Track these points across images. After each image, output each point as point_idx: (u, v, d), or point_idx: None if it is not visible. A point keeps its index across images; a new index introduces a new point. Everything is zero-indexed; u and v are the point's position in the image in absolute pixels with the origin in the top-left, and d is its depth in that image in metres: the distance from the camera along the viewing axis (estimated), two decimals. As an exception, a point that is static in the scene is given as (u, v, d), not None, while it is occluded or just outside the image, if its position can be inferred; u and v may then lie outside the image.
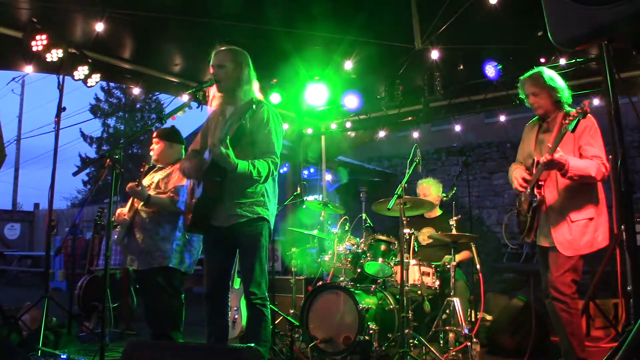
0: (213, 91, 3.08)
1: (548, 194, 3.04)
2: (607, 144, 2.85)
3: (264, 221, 2.95)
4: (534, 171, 3.06)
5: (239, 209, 2.89)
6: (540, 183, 3.04)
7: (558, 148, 2.85)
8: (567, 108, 3.05)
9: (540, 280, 3.22)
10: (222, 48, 3.07)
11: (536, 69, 3.17)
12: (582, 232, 2.94)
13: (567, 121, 2.81)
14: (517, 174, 3.18)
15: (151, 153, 3.77)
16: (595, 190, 3.00)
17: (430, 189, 4.86)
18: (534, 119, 3.31)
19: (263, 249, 2.93)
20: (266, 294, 2.92)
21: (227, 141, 2.69)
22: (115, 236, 3.73)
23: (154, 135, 3.78)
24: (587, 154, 2.94)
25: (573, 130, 2.81)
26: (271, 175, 2.91)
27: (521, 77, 3.21)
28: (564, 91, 3.07)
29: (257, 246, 2.91)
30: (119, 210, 3.72)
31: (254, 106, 2.92)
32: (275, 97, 5.77)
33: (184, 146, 3.82)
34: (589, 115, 2.94)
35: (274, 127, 2.97)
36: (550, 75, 3.10)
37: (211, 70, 3.02)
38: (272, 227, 3.05)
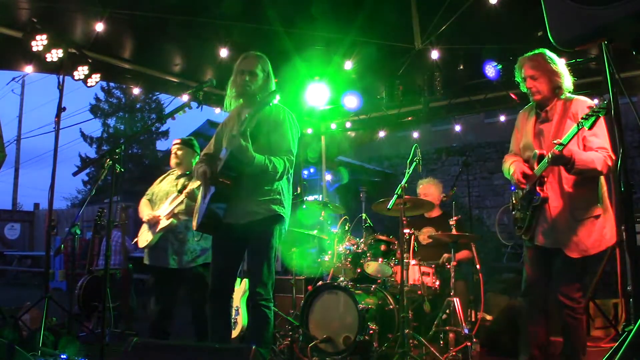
0: (230, 93, 3.10)
1: (551, 191, 2.82)
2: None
3: (277, 221, 2.96)
4: (535, 165, 2.83)
5: (256, 206, 2.90)
6: (543, 180, 2.82)
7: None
8: (568, 95, 2.86)
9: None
10: (251, 53, 3.10)
11: (538, 50, 2.92)
12: (589, 231, 2.73)
13: (585, 117, 2.53)
14: (516, 168, 2.93)
15: (173, 159, 4.15)
16: (598, 184, 2.80)
17: (431, 189, 4.87)
18: (528, 105, 3.08)
19: (273, 250, 2.94)
20: (271, 295, 2.93)
21: (247, 134, 2.73)
22: (148, 239, 3.99)
23: (178, 142, 4.16)
24: (592, 146, 2.72)
25: (590, 128, 2.54)
26: (286, 173, 2.93)
27: (520, 57, 2.96)
28: (565, 77, 2.86)
29: (267, 246, 2.91)
30: (152, 213, 4.03)
31: (270, 106, 2.94)
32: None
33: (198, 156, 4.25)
34: (593, 104, 2.74)
35: (290, 127, 3.01)
36: (553, 58, 2.87)
37: (239, 75, 3.03)
38: (286, 228, 3.06)
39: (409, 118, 6.89)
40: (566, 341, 2.88)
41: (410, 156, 3.79)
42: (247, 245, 3.02)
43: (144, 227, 4.09)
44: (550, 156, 2.67)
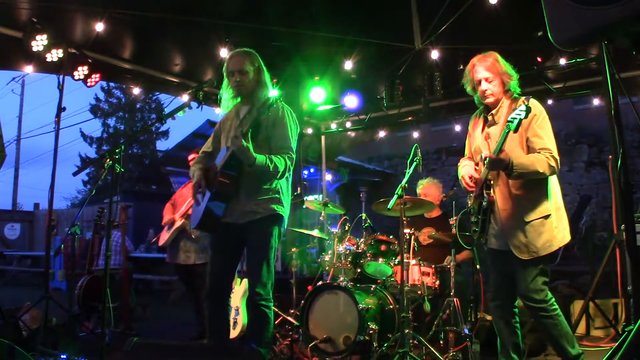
0: (226, 94, 3.09)
1: (498, 194, 2.81)
2: (607, 144, 2.80)
3: (276, 221, 2.96)
4: (482, 169, 2.82)
5: (255, 205, 2.90)
6: (489, 183, 2.81)
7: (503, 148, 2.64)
8: (515, 97, 2.84)
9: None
10: (237, 51, 3.07)
11: (488, 52, 2.89)
12: (539, 232, 2.70)
13: (510, 120, 2.57)
14: (464, 172, 2.94)
15: None
16: (547, 184, 2.76)
17: (431, 189, 4.86)
18: (479, 109, 3.06)
19: (272, 250, 2.93)
20: (271, 295, 2.92)
21: (248, 135, 2.73)
22: (164, 239, 4.62)
23: None
24: (534, 147, 2.71)
25: (516, 131, 2.57)
26: (287, 171, 2.92)
27: (473, 59, 2.91)
28: (514, 78, 2.84)
29: (267, 246, 2.91)
30: (169, 216, 4.71)
31: (270, 104, 2.92)
32: (275, 97, 5.79)
33: None
34: (536, 102, 2.74)
35: (290, 124, 3.00)
36: (503, 59, 2.86)
37: (230, 77, 3.02)
38: (285, 227, 3.05)
39: (409, 118, 6.90)
40: (549, 340, 2.87)
41: (410, 156, 3.78)
42: (245, 244, 3.01)
43: (165, 228, 4.72)
44: (487, 161, 2.68)
